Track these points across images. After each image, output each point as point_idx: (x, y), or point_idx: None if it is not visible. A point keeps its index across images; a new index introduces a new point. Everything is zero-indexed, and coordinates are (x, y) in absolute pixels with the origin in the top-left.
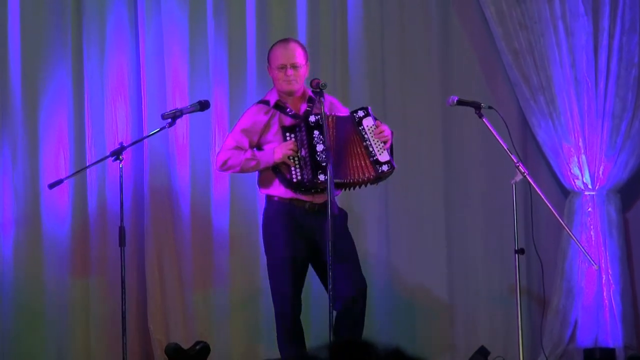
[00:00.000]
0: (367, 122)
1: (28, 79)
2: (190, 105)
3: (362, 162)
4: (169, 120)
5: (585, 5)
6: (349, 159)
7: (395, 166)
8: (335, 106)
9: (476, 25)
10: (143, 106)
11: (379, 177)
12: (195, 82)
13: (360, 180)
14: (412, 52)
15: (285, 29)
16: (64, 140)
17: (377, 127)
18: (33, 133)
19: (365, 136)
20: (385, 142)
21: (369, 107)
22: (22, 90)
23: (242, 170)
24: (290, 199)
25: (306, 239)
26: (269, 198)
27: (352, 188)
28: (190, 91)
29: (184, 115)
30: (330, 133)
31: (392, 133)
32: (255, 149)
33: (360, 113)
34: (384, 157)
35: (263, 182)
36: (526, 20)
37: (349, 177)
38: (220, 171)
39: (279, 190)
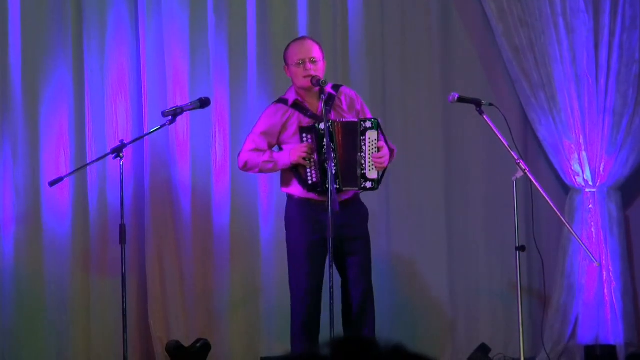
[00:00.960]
0: (371, 135)
1: (28, 76)
2: (191, 102)
3: (352, 170)
4: (170, 117)
5: (585, 2)
6: (353, 164)
7: (379, 188)
8: (355, 101)
9: (477, 21)
10: (143, 103)
11: (362, 189)
12: (195, 80)
13: (352, 190)
14: (413, 49)
15: (285, 26)
16: (65, 137)
17: (379, 149)
18: (33, 130)
19: (363, 147)
20: (380, 165)
21: (380, 120)
22: (23, 88)
23: (261, 172)
24: (309, 199)
25: (324, 237)
26: (289, 197)
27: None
28: (191, 88)
29: (184, 113)
30: (339, 138)
31: (393, 153)
32: (276, 148)
33: (368, 124)
34: (372, 174)
35: (283, 181)
36: (527, 17)
37: (353, 185)
38: (243, 171)
39: (297, 189)
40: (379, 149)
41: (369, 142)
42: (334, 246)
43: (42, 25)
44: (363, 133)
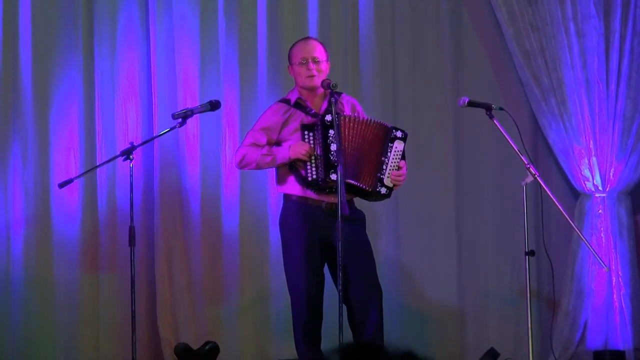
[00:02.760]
0: (398, 146)
1: (39, 78)
2: (201, 105)
3: (370, 170)
4: (180, 120)
5: (596, 7)
6: (362, 162)
7: (389, 197)
8: (356, 107)
9: (487, 26)
10: (153, 106)
11: (372, 193)
12: (205, 82)
13: (360, 186)
14: (424, 53)
15: (296, 28)
16: (75, 139)
17: (399, 167)
18: (43, 132)
19: (388, 154)
20: (395, 182)
21: (407, 134)
22: (33, 90)
23: (258, 167)
24: (307, 199)
25: (322, 239)
26: (286, 197)
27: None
28: (201, 91)
29: (194, 115)
30: (355, 134)
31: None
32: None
33: (399, 133)
34: (388, 182)
35: (280, 180)
36: (537, 22)
37: (357, 179)
38: (238, 168)
39: (295, 188)
40: (399, 168)
41: (394, 152)
42: (334, 250)
43: (53, 27)
44: (392, 140)
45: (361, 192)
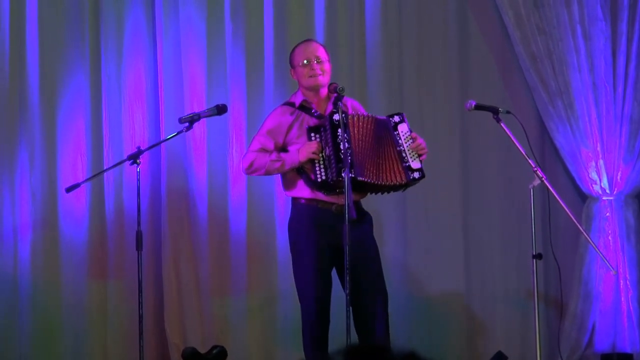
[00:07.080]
0: (402, 128)
1: (46, 82)
2: (208, 109)
3: (395, 167)
4: (187, 124)
5: (603, 10)
6: (380, 161)
7: (425, 175)
8: (357, 109)
9: (494, 29)
10: (160, 110)
11: (408, 184)
12: (212, 86)
13: (390, 184)
14: (430, 56)
15: (303, 32)
16: (82, 143)
17: (413, 139)
18: (51, 137)
19: (400, 141)
20: (420, 154)
21: (404, 114)
22: (40, 94)
23: (267, 172)
24: (317, 201)
25: (331, 242)
26: (294, 201)
27: (381, 192)
28: (208, 95)
29: (201, 119)
30: (364, 133)
31: None
32: (280, 150)
33: (397, 118)
34: (415, 164)
35: (288, 184)
36: (544, 25)
37: (379, 179)
38: (247, 174)
39: (304, 191)
40: (413, 140)
41: (403, 135)
42: (342, 255)
43: (60, 32)
44: (395, 128)
45: (394, 187)
